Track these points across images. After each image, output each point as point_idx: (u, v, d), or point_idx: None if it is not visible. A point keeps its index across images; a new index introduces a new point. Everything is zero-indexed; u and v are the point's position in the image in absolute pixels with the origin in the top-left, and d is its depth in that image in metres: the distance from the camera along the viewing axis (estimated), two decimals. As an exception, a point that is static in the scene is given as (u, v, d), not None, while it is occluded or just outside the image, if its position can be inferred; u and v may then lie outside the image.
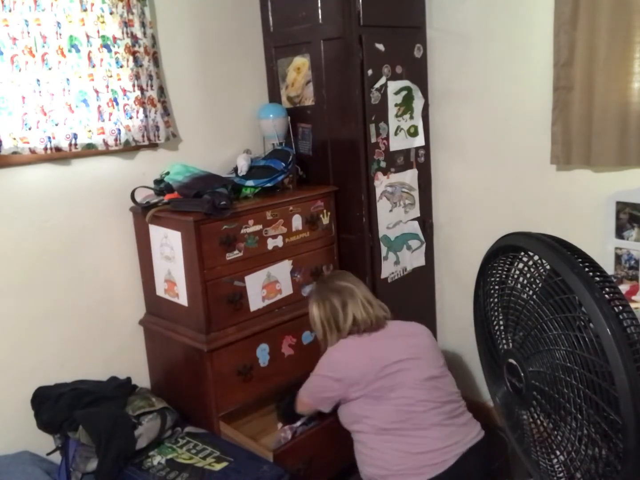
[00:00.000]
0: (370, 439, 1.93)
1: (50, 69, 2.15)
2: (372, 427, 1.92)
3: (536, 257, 1.55)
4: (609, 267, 2.28)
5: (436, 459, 1.84)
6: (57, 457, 2.18)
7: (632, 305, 1.64)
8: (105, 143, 2.31)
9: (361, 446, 1.98)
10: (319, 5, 2.58)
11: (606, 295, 1.36)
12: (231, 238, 2.30)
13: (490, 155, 2.74)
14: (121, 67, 2.34)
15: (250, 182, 2.53)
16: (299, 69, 2.75)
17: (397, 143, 2.73)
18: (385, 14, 2.61)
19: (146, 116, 2.41)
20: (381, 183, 2.69)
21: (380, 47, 2.58)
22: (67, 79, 2.19)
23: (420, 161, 2.87)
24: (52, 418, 2.15)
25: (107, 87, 2.30)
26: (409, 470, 1.84)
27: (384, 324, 2.10)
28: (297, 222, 2.53)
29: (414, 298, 2.99)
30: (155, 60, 2.44)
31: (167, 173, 2.44)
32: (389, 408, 1.91)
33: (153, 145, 2.51)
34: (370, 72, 2.55)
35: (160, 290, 2.45)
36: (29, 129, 2.11)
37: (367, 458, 1.95)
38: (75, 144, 2.22)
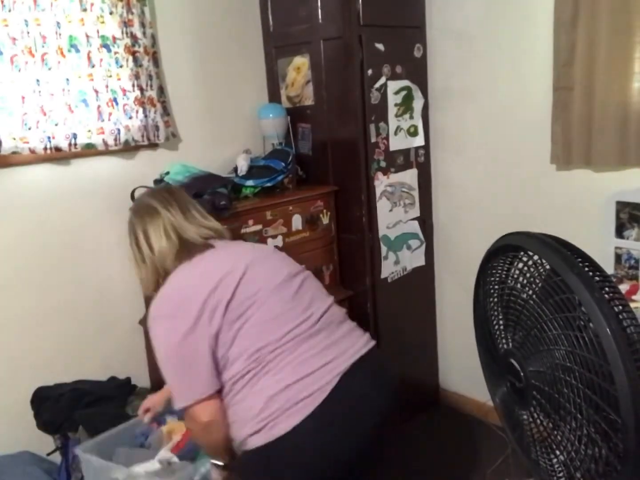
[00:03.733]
0: (233, 390, 1.48)
1: (50, 69, 2.15)
2: (235, 368, 1.47)
3: (536, 257, 1.55)
4: (609, 267, 2.28)
5: (311, 387, 1.41)
6: (57, 457, 2.18)
7: (632, 305, 1.64)
8: (105, 143, 2.31)
9: (227, 407, 1.50)
10: (319, 5, 2.58)
11: (606, 295, 1.36)
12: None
13: (490, 155, 2.74)
14: (121, 67, 2.34)
15: (250, 182, 2.53)
16: (298, 69, 2.75)
17: (397, 143, 2.73)
18: (385, 14, 2.62)
19: (146, 116, 2.41)
20: (381, 183, 2.69)
21: (380, 47, 2.58)
22: (67, 79, 2.19)
23: (420, 161, 2.87)
24: (52, 418, 2.15)
25: (107, 87, 2.30)
26: (280, 412, 1.40)
27: (205, 247, 1.62)
28: (297, 222, 2.53)
29: (414, 298, 2.99)
30: (155, 60, 2.44)
31: (167, 173, 2.44)
32: (246, 332, 1.46)
33: (153, 145, 2.51)
34: (370, 72, 2.55)
35: (160, 290, 2.45)
36: (29, 129, 2.11)
37: (233, 419, 1.49)
38: (75, 144, 2.22)
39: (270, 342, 1.46)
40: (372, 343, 1.58)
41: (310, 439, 1.41)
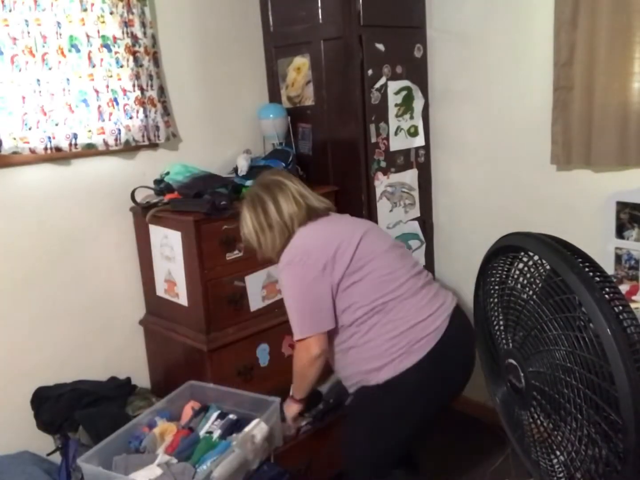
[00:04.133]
0: (359, 331, 1.77)
1: (50, 69, 2.15)
2: (358, 312, 1.76)
3: (536, 257, 1.55)
4: (609, 267, 2.28)
5: (429, 328, 1.74)
6: (57, 457, 2.18)
7: (632, 305, 1.64)
8: (106, 143, 2.31)
9: (349, 348, 1.81)
10: (319, 5, 2.59)
11: (606, 295, 1.36)
12: (231, 238, 2.30)
13: (490, 155, 2.74)
14: (121, 67, 2.34)
15: (250, 182, 2.52)
16: (299, 69, 2.75)
17: (397, 143, 2.73)
18: (385, 14, 2.62)
19: (146, 116, 2.41)
20: (381, 183, 2.69)
21: (380, 47, 2.58)
22: (67, 79, 2.19)
23: (420, 161, 2.88)
24: (52, 418, 2.15)
25: (107, 87, 2.30)
26: (403, 350, 1.72)
27: (325, 214, 1.93)
28: (297, 222, 2.53)
29: (414, 298, 2.99)
30: (155, 60, 2.44)
31: (167, 173, 2.44)
32: (368, 283, 1.77)
33: (153, 145, 2.51)
34: (370, 72, 2.55)
35: (160, 290, 2.45)
36: (29, 129, 2.11)
37: (356, 358, 1.79)
38: (76, 144, 2.22)
39: (390, 291, 1.76)
40: (456, 299, 1.91)
41: (432, 371, 1.74)
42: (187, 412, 2.07)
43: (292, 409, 2.00)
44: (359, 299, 1.76)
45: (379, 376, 1.76)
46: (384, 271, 1.78)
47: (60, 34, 2.16)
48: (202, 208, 2.19)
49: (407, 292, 1.78)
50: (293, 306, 1.82)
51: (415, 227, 2.91)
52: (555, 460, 1.59)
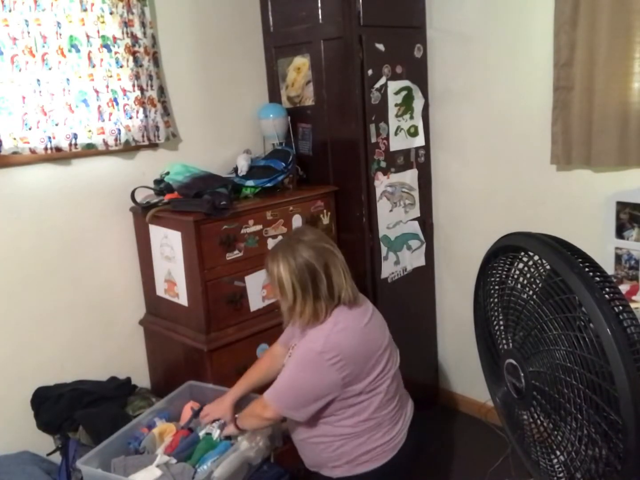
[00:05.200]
0: (337, 435, 1.76)
1: (50, 69, 2.15)
2: (346, 420, 1.75)
3: (536, 257, 1.55)
4: (609, 267, 2.28)
5: (390, 444, 1.80)
6: (57, 457, 2.18)
7: (632, 305, 1.64)
8: (105, 143, 2.31)
9: (320, 442, 1.80)
10: (319, 5, 2.58)
11: (606, 296, 1.36)
12: (231, 238, 2.30)
13: (490, 155, 2.74)
14: (121, 67, 2.34)
15: (250, 182, 2.53)
16: (299, 69, 2.75)
17: (397, 143, 2.73)
18: (385, 14, 2.62)
19: (146, 116, 2.41)
20: (381, 183, 2.69)
21: (380, 47, 2.58)
22: (67, 79, 2.19)
23: (420, 161, 2.88)
24: (52, 418, 2.15)
25: (107, 87, 2.30)
26: (364, 458, 1.79)
27: (362, 300, 1.84)
28: (297, 222, 2.53)
29: (414, 298, 2.99)
30: (155, 60, 2.44)
31: (167, 173, 2.44)
32: (368, 404, 1.74)
33: (153, 145, 2.51)
34: (370, 72, 2.55)
35: (160, 290, 2.45)
36: (29, 129, 2.11)
37: (322, 449, 1.81)
38: (75, 144, 2.22)
39: (382, 415, 1.77)
40: (413, 407, 1.94)
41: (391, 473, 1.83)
42: (187, 412, 2.07)
43: (229, 429, 1.92)
44: (354, 413, 1.75)
45: (333, 472, 1.81)
46: (387, 397, 1.78)
47: (60, 34, 2.16)
48: (202, 208, 2.19)
49: (390, 413, 1.80)
50: (289, 377, 1.74)
51: (415, 227, 2.91)
52: (555, 460, 1.59)
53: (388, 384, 1.78)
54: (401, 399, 1.88)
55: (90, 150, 2.29)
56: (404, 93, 2.73)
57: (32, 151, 2.12)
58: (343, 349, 1.67)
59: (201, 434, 1.94)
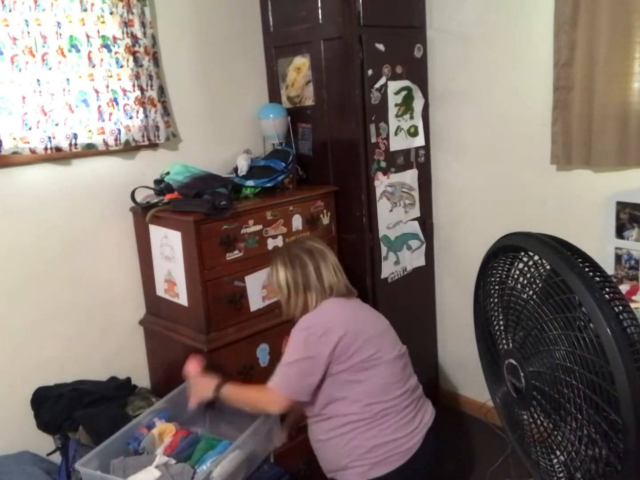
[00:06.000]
0: (344, 427, 1.80)
1: (50, 69, 2.15)
2: (348, 409, 1.80)
3: (536, 257, 1.55)
4: (609, 267, 2.28)
5: (404, 445, 1.79)
6: (57, 457, 2.18)
7: (632, 305, 1.64)
8: (105, 143, 2.31)
9: (331, 438, 1.84)
10: (319, 5, 2.58)
11: (606, 295, 1.36)
12: (231, 238, 2.30)
13: (490, 155, 2.74)
14: (121, 67, 2.34)
15: (250, 182, 2.53)
16: (299, 69, 2.75)
17: (397, 143, 2.73)
18: (385, 14, 2.62)
19: (146, 116, 2.41)
20: (381, 183, 2.69)
21: (380, 47, 2.58)
22: (67, 79, 2.19)
23: (420, 161, 2.88)
24: (52, 418, 2.15)
25: (107, 87, 2.30)
26: (376, 460, 1.78)
27: (354, 295, 1.99)
28: (297, 222, 2.53)
29: (414, 298, 2.99)
30: (155, 60, 2.44)
31: (167, 173, 2.44)
32: (369, 386, 1.80)
33: (153, 145, 2.51)
34: (370, 72, 2.55)
35: (160, 290, 2.45)
36: (29, 129, 2.11)
37: (335, 449, 1.83)
38: (76, 144, 2.22)
39: (384, 400, 1.80)
40: (434, 411, 1.96)
41: None
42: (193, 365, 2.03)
43: (208, 388, 1.90)
44: (352, 397, 1.79)
45: (348, 475, 1.82)
46: (388, 380, 1.82)
47: (60, 34, 2.16)
48: (202, 208, 2.19)
49: (397, 407, 1.81)
50: (286, 361, 1.82)
51: (415, 227, 2.91)
52: (555, 460, 1.59)
53: (388, 366, 1.82)
54: (417, 397, 1.90)
55: (90, 150, 2.29)
56: (404, 93, 2.73)
57: (32, 151, 2.12)
58: (326, 321, 1.82)
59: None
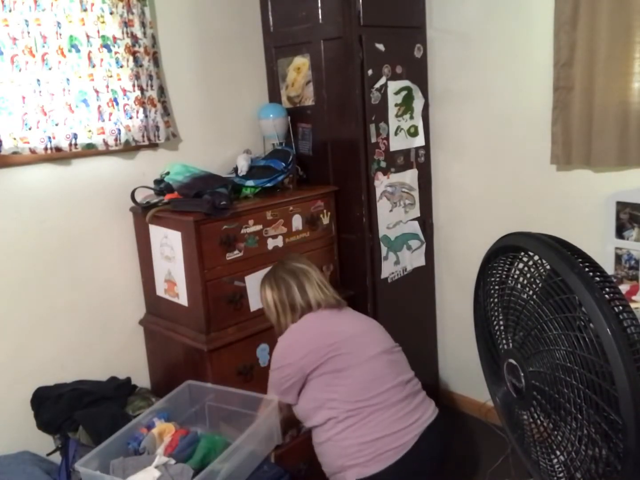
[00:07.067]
0: (335, 428, 1.85)
1: (50, 69, 2.15)
2: (335, 410, 1.85)
3: (536, 257, 1.55)
4: (609, 267, 2.28)
5: (397, 441, 1.80)
6: (57, 457, 2.18)
7: (632, 305, 1.64)
8: (105, 143, 2.31)
9: (326, 440, 1.88)
10: (319, 5, 2.59)
11: (606, 295, 1.36)
12: (231, 238, 2.30)
13: (490, 155, 2.74)
14: (121, 67, 2.34)
15: (250, 182, 2.53)
16: (299, 69, 2.75)
17: (397, 143, 2.73)
18: (385, 14, 2.62)
19: (146, 116, 2.41)
20: (381, 183, 2.69)
21: (380, 47, 2.58)
22: (67, 79, 2.19)
23: (420, 161, 2.88)
24: (52, 418, 2.15)
25: (107, 87, 2.30)
26: (369, 457, 1.80)
27: (340, 306, 2.06)
28: (297, 222, 2.53)
29: (414, 298, 2.99)
30: (155, 60, 2.44)
31: (167, 173, 2.44)
32: (350, 385, 1.85)
33: (153, 145, 2.51)
34: (370, 72, 2.55)
35: (160, 290, 2.45)
36: (29, 129, 2.11)
37: (331, 451, 1.88)
38: (75, 144, 2.22)
39: (367, 397, 1.83)
40: (437, 411, 1.96)
41: None
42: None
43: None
44: (337, 397, 1.86)
45: (346, 475, 1.84)
46: (367, 377, 1.86)
47: (60, 34, 2.16)
48: (202, 208, 2.19)
49: (385, 402, 1.84)
50: (271, 371, 2.01)
51: (415, 227, 2.91)
52: (555, 460, 1.59)
53: (363, 366, 1.87)
54: (410, 394, 1.91)
55: (90, 150, 2.29)
56: (404, 93, 2.73)
57: (32, 151, 2.12)
58: (300, 330, 1.96)
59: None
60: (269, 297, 2.05)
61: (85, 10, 2.22)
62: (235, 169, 2.63)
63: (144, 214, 2.35)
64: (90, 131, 2.27)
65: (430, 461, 1.89)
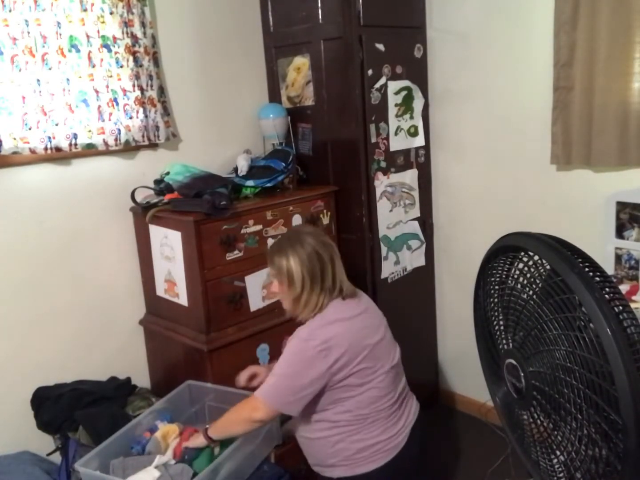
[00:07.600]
0: (332, 429, 1.77)
1: (50, 69, 2.15)
2: (335, 417, 1.76)
3: (536, 257, 1.55)
4: (609, 267, 2.28)
5: (390, 444, 1.79)
6: (57, 457, 2.18)
7: (632, 305, 1.64)
8: (105, 143, 2.31)
9: (318, 438, 1.81)
10: (319, 5, 2.59)
11: (606, 295, 1.36)
12: (231, 238, 2.30)
13: (490, 155, 2.74)
14: (121, 67, 2.34)
15: (250, 182, 2.53)
16: (299, 69, 2.75)
17: (397, 143, 2.73)
18: (385, 14, 2.62)
19: (146, 116, 2.41)
20: (381, 183, 2.69)
21: (380, 47, 2.58)
22: (67, 79, 2.19)
23: (420, 161, 2.88)
24: (52, 418, 2.15)
25: (107, 87, 2.30)
26: (363, 458, 1.78)
27: (359, 294, 1.87)
28: (297, 222, 2.53)
29: (414, 298, 3.00)
30: (155, 60, 2.44)
31: (167, 173, 2.44)
32: (360, 402, 1.75)
33: (153, 145, 2.51)
34: (370, 72, 2.55)
35: (160, 290, 2.45)
36: (29, 129, 2.11)
37: (321, 449, 1.81)
38: (75, 144, 2.22)
39: (375, 410, 1.78)
40: (418, 405, 1.95)
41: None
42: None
43: (198, 440, 1.83)
44: (341, 410, 1.76)
45: (334, 472, 1.81)
46: (379, 393, 1.77)
47: (60, 34, 2.16)
48: (202, 208, 2.19)
49: (385, 412, 1.79)
50: (279, 371, 1.73)
51: (415, 227, 2.91)
52: (555, 460, 1.59)
53: (383, 378, 1.77)
54: (403, 397, 1.89)
55: (90, 150, 2.29)
56: (404, 93, 2.73)
57: (32, 151, 2.12)
58: (328, 337, 1.68)
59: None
60: (295, 270, 1.72)
61: (85, 10, 2.22)
62: (235, 169, 2.63)
63: (144, 214, 2.35)
64: (90, 131, 2.27)
65: (417, 455, 1.88)
